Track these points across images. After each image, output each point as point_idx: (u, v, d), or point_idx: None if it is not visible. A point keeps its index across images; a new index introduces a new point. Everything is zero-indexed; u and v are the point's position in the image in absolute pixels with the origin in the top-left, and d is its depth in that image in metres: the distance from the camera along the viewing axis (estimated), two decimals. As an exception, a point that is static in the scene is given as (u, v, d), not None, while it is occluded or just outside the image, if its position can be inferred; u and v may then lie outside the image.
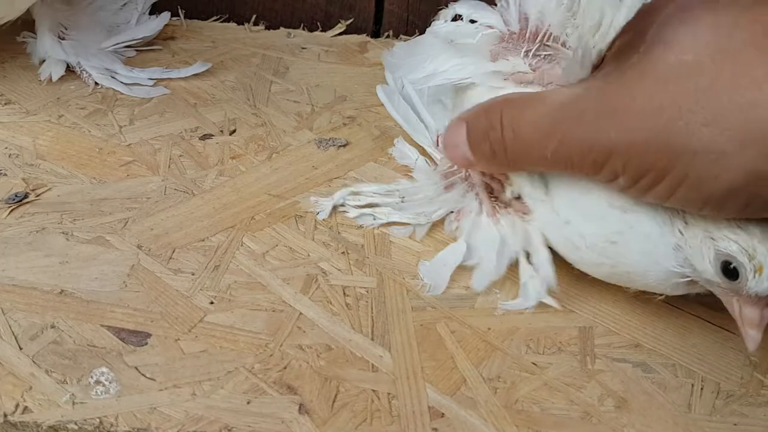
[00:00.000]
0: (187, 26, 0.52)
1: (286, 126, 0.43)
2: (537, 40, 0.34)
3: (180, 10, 0.52)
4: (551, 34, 0.34)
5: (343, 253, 0.35)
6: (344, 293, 0.33)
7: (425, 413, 0.28)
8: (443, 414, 0.28)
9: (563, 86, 0.31)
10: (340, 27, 0.53)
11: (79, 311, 0.31)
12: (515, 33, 0.36)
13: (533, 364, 0.31)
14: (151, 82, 0.45)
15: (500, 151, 0.32)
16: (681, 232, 0.29)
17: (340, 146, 0.42)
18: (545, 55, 0.34)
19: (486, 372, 0.30)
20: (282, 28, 0.53)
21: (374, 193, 0.38)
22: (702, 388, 0.31)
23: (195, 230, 0.35)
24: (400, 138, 0.41)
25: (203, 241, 0.35)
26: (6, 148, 0.39)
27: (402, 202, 0.37)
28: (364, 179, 0.40)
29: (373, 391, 0.29)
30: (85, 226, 0.35)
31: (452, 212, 0.37)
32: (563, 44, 0.33)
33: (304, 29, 0.53)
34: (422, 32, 0.53)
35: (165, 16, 0.49)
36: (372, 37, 0.54)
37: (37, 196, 0.36)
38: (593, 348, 0.32)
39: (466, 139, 0.33)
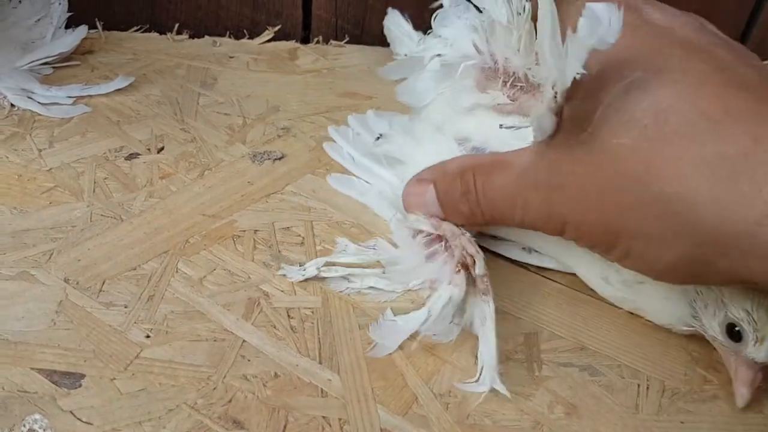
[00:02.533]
0: (105, 38, 0.49)
1: (217, 140, 0.42)
2: (510, 75, 0.34)
3: (98, 22, 0.50)
4: (517, 74, 0.33)
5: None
6: (288, 316, 0.32)
7: (378, 436, 0.28)
8: (396, 436, 0.28)
9: (529, 147, 0.31)
10: (268, 34, 0.52)
11: (6, 354, 0.29)
12: (490, 66, 0.35)
13: (482, 374, 0.31)
14: (71, 101, 0.43)
15: (478, 213, 0.32)
16: (698, 292, 0.31)
17: (275, 159, 0.41)
18: (521, 86, 0.34)
19: (436, 387, 0.30)
20: (207, 37, 0.51)
21: (351, 265, 0.34)
22: (648, 388, 0.31)
23: (125, 259, 0.34)
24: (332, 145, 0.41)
25: (135, 269, 0.33)
26: None
27: (383, 273, 0.34)
28: (302, 193, 0.39)
29: (324, 417, 0.28)
30: (8, 261, 0.33)
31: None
32: (531, 84, 0.33)
33: (230, 37, 0.52)
34: (352, 38, 0.53)
35: (82, 30, 0.47)
36: (301, 43, 0.53)
37: (-49, 231, 0.34)
38: (539, 354, 0.32)
39: (434, 199, 0.34)
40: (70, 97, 0.43)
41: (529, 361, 0.32)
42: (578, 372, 0.32)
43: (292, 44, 0.52)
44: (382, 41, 0.48)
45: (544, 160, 0.30)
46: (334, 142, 0.42)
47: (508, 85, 0.34)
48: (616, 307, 0.34)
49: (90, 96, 0.44)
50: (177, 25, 0.51)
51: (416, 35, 0.44)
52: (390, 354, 0.31)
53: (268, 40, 0.52)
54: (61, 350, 0.30)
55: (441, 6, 0.39)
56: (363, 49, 0.52)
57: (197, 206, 0.37)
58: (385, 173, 0.39)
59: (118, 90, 0.44)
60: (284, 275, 0.34)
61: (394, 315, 0.32)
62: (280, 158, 0.41)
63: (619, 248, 0.29)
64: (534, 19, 0.30)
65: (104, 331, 0.30)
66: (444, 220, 0.34)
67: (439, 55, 0.37)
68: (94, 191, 0.37)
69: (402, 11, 0.45)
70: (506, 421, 0.29)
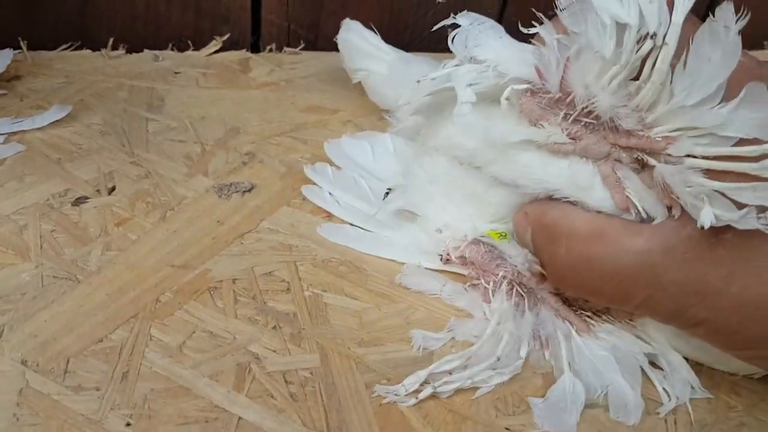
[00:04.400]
0: (32, 60, 0.44)
1: (175, 174, 0.37)
2: (575, 107, 0.29)
3: (21, 42, 0.44)
4: (597, 114, 0.29)
5: (274, 327, 0.31)
6: (286, 381, 0.29)
7: None
8: None
9: (649, 228, 0.27)
10: (216, 44, 0.47)
11: (-42, 469, 0.25)
12: (551, 95, 0.29)
13: (507, 429, 0.28)
14: (1, 139, 0.38)
15: (552, 279, 0.31)
16: None
17: (244, 191, 0.37)
18: (586, 122, 0.29)
19: (461, 451, 0.27)
20: (147, 51, 0.46)
21: (448, 371, 0.30)
22: (675, 422, 0.30)
23: (89, 329, 0.29)
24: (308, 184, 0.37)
25: (101, 341, 0.29)
26: None
27: (497, 361, 0.30)
28: (280, 229, 0.35)
29: (343, 502, 0.25)
30: (-53, 347, 0.28)
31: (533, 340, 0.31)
32: (613, 126, 0.28)
33: (173, 49, 0.47)
34: (307, 43, 0.49)
35: (7, 54, 0.41)
36: (252, 51, 0.48)
37: None
38: (563, 396, 0.30)
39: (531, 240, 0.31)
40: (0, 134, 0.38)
41: (554, 407, 0.29)
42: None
43: (242, 54, 0.48)
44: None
45: (679, 256, 0.26)
46: (313, 183, 0.38)
47: (570, 119, 0.29)
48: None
49: (23, 131, 0.38)
50: (112, 40, 0.46)
51: (390, 48, 0.41)
52: (403, 413, 0.28)
53: (216, 51, 0.47)
54: (28, 454, 0.25)
55: (455, 25, 0.33)
56: (320, 56, 0.49)
57: (163, 256, 0.33)
58: (388, 219, 0.35)
59: (55, 122, 0.39)
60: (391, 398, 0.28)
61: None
62: (249, 190, 0.37)
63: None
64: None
65: (77, 423, 0.26)
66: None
67: (471, 84, 0.31)
68: (41, 248, 0.32)
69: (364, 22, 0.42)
70: (539, 482, 0.27)
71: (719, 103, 0.25)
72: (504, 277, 0.33)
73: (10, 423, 0.26)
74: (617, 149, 0.29)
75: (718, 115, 0.25)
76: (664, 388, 0.30)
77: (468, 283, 0.34)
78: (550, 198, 0.31)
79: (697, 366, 0.31)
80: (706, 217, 0.24)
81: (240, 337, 0.30)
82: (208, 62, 0.46)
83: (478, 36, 0.32)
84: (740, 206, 0.24)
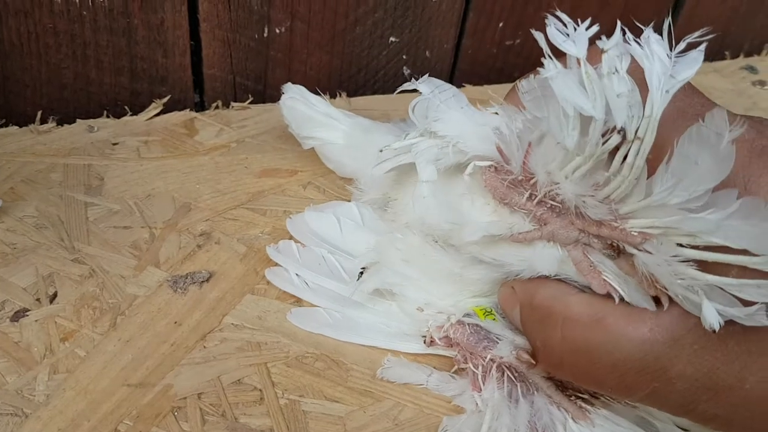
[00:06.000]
0: (-51, 144, 0.39)
1: (122, 269, 0.34)
2: (540, 190, 0.26)
3: (-66, 125, 0.39)
4: (562, 200, 0.26)
5: (249, 449, 0.28)
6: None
7: None
8: None
9: (653, 311, 0.25)
10: (156, 106, 0.43)
11: None
12: (514, 175, 0.27)
13: None
14: None
15: (545, 366, 0.29)
16: None
17: (202, 282, 0.34)
18: (552, 205, 0.26)
19: None
20: (79, 121, 0.42)
21: None
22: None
23: (41, 478, 0.26)
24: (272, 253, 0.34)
25: (57, 492, 0.26)
26: None
27: None
28: (246, 324, 0.32)
29: None
30: None
31: None
32: (580, 213, 0.26)
33: (108, 116, 0.43)
34: (255, 95, 0.45)
35: None
36: (196, 110, 0.45)
37: None
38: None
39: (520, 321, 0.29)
40: None
41: None
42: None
43: (186, 114, 0.44)
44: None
45: (687, 348, 0.24)
46: (277, 265, 0.34)
47: (535, 201, 0.27)
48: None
49: (-56, 234, 0.34)
50: (40, 113, 0.41)
51: (342, 115, 0.38)
52: None
53: (157, 114, 0.43)
54: None
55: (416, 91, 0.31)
56: (270, 109, 0.45)
57: (117, 374, 0.29)
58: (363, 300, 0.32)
59: (-18, 219, 0.35)
60: None
61: None
62: (207, 279, 0.34)
63: None
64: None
65: None
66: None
67: (432, 161, 0.29)
68: (-23, 381, 0.29)
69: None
70: None
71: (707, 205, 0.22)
72: (493, 361, 0.30)
73: None
74: (587, 235, 0.26)
75: (706, 222, 0.22)
76: None
77: (455, 368, 0.31)
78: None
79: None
80: (712, 318, 0.22)
81: (214, 466, 0.27)
82: (149, 128, 0.42)
83: (438, 107, 0.30)
84: (743, 301, 0.22)
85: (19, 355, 0.30)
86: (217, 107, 0.45)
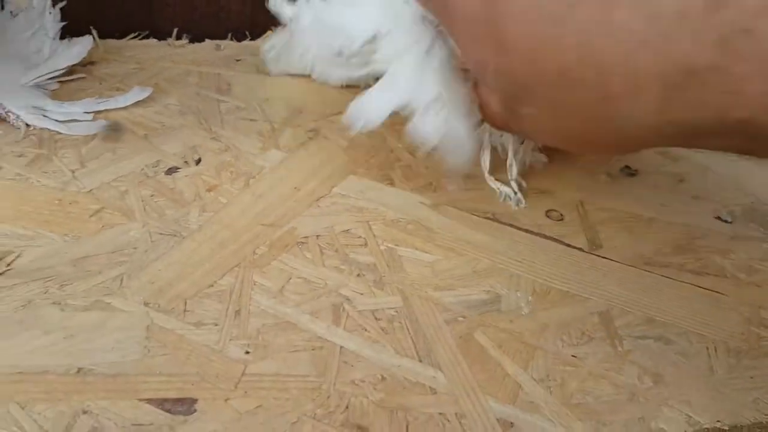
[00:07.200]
0: (103, 48, 0.47)
1: (251, 148, 0.41)
2: None
3: (93, 31, 0.47)
4: None
5: (358, 275, 0.35)
6: (375, 317, 0.33)
7: (496, 426, 0.29)
8: (512, 423, 0.29)
9: None
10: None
11: (107, 389, 0.28)
12: None
13: (573, 356, 0.32)
14: (90, 116, 0.41)
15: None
16: None
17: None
18: None
19: (535, 374, 0.31)
20: (208, 41, 0.50)
21: None
22: (716, 350, 0.34)
23: (200, 276, 0.33)
24: None
25: (212, 286, 0.33)
26: (-55, 213, 0.34)
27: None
28: (350, 194, 0.39)
29: (440, 414, 0.29)
30: (77, 292, 0.32)
31: None
32: None
33: (232, 39, 0.51)
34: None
35: (87, 40, 0.45)
36: (302, 40, 0.52)
37: (8, 265, 0.32)
38: (617, 330, 0.34)
39: None
40: (87, 112, 0.41)
41: (611, 338, 0.33)
42: (654, 343, 0.34)
43: (294, 43, 0.52)
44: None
45: None
46: None
47: None
48: (670, 278, 0.37)
49: (108, 110, 0.42)
50: (176, 30, 0.49)
51: None
52: (481, 344, 0.32)
53: (270, 41, 0.51)
54: (165, 377, 0.29)
55: None
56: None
57: (254, 217, 0.37)
58: None
59: (136, 102, 0.43)
60: None
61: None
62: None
63: None
64: None
65: (202, 352, 0.30)
66: None
67: None
68: (145, 210, 0.36)
69: None
70: (606, 397, 0.31)
71: None
72: None
73: (143, 354, 0.30)
74: None
75: None
76: None
77: None
78: None
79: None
80: None
81: (330, 282, 0.34)
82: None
83: None
84: None
85: (174, 197, 0.37)
86: (320, 39, 0.52)
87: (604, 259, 0.38)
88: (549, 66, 0.25)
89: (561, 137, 0.29)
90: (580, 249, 0.38)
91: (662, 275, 0.37)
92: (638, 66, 0.24)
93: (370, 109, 0.31)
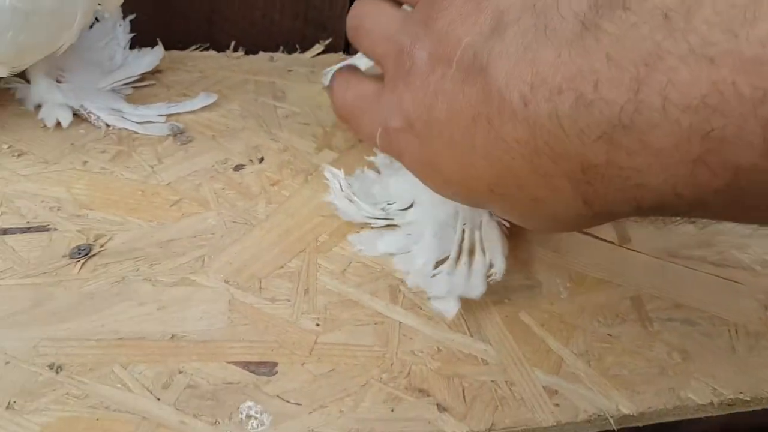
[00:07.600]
0: (169, 58, 0.52)
1: (307, 148, 0.45)
2: None
3: (159, 42, 0.52)
4: None
5: (411, 261, 0.38)
6: (428, 297, 0.36)
7: (543, 393, 0.32)
8: (557, 391, 0.32)
9: None
10: (318, 47, 0.55)
11: (198, 353, 0.32)
12: None
13: (609, 335, 0.36)
14: (162, 119, 0.45)
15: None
16: None
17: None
18: None
19: (575, 349, 0.35)
20: (261, 53, 0.54)
21: None
22: (737, 332, 0.37)
23: (271, 259, 0.37)
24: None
25: (282, 267, 0.36)
26: (42, 201, 0.38)
27: None
28: (400, 191, 0.43)
29: (492, 381, 0.32)
30: (165, 270, 0.35)
31: None
32: None
33: (283, 52, 0.55)
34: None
35: (159, 50, 0.49)
36: (345, 53, 0.56)
37: (102, 246, 0.36)
38: (647, 313, 0.37)
39: None
40: (160, 115, 0.45)
41: (642, 320, 0.37)
42: (681, 324, 0.37)
43: (339, 56, 0.56)
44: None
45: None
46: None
47: None
48: (693, 269, 0.40)
49: (178, 114, 0.46)
50: (233, 43, 0.54)
51: None
52: (525, 323, 0.36)
53: (318, 54, 0.55)
54: (248, 343, 0.32)
55: None
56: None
57: (314, 208, 0.41)
58: None
59: (203, 107, 0.47)
60: None
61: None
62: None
63: None
64: None
65: (279, 323, 0.34)
66: None
67: None
68: (218, 201, 0.40)
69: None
70: (640, 370, 0.34)
71: None
72: None
73: (227, 324, 0.33)
74: None
75: None
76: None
77: None
78: None
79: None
80: None
81: (386, 267, 0.38)
82: (314, 62, 0.54)
83: None
84: None
85: (242, 190, 0.41)
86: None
87: (633, 252, 0.41)
88: (480, 187, 0.29)
89: (518, 222, 0.32)
90: (610, 242, 0.42)
91: (686, 266, 0.40)
92: (545, 171, 0.25)
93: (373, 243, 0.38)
